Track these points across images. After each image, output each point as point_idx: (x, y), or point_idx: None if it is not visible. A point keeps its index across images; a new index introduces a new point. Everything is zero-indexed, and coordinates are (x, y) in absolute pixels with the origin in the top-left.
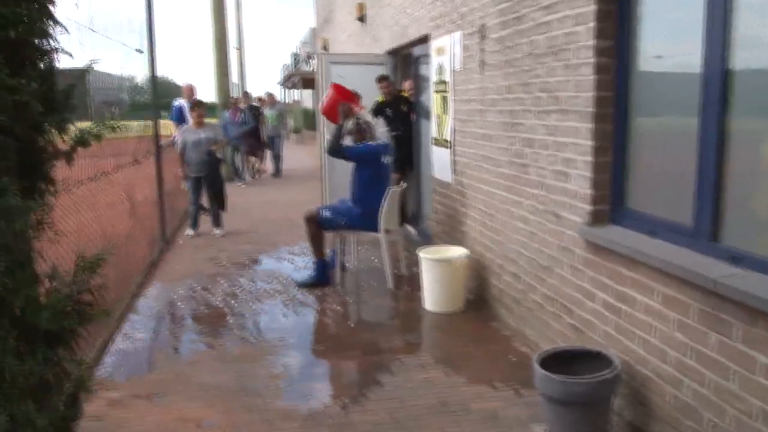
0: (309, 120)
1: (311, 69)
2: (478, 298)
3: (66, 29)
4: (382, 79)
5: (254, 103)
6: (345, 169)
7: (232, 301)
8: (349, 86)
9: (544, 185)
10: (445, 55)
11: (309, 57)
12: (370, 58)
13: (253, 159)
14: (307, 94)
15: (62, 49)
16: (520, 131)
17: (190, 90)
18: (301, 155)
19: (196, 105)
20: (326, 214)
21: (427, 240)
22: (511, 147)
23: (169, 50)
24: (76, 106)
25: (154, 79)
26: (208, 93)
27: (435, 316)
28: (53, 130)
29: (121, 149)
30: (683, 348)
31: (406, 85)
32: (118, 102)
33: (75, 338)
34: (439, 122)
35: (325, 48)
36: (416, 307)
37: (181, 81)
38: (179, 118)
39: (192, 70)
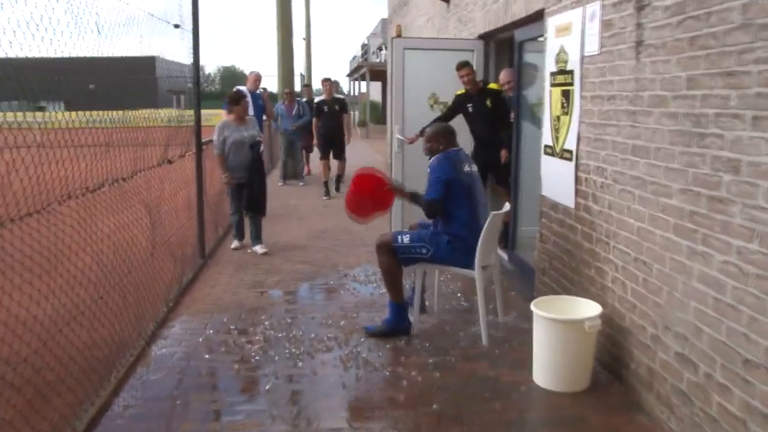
0: (376, 113)
1: (380, 60)
2: (611, 372)
3: None
4: (462, 66)
5: (337, 96)
6: (421, 172)
7: (275, 355)
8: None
9: (763, 236)
10: (571, 35)
11: (380, 48)
12: (456, 44)
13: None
14: (375, 86)
15: None
16: (713, 147)
17: (256, 78)
18: (367, 151)
19: (236, 99)
20: (404, 240)
21: (526, 273)
22: (692, 169)
23: (241, 40)
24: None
25: (196, 57)
26: (274, 83)
27: (551, 398)
28: None
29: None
30: None
31: (503, 75)
32: (184, 90)
33: None
34: (556, 125)
35: (399, 35)
36: (523, 379)
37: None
38: None
39: (263, 61)
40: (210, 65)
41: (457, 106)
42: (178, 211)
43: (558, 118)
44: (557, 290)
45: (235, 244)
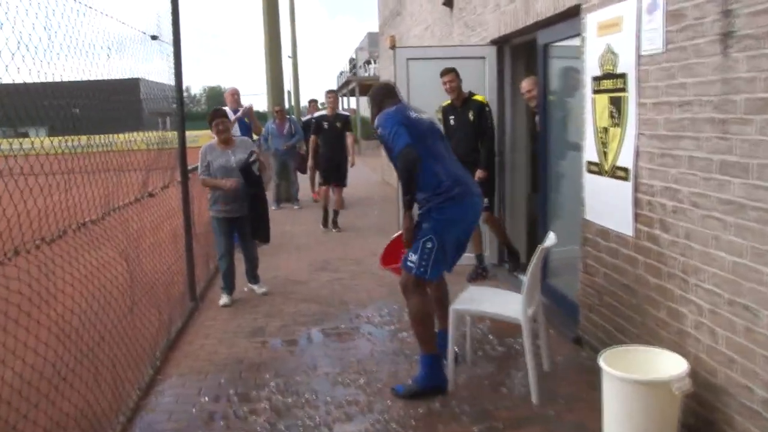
0: (367, 129)
1: (369, 74)
2: None
3: None
4: (446, 72)
5: (341, 111)
6: None
7: (286, 430)
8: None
9: None
10: (621, 32)
11: (368, 62)
12: (465, 51)
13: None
14: (364, 101)
15: None
16: None
17: (233, 95)
18: (361, 169)
19: (214, 116)
20: (413, 258)
21: (566, 307)
22: None
23: (226, 60)
24: None
25: (178, 75)
26: (263, 102)
27: None
28: None
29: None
30: None
31: (524, 84)
32: (170, 112)
33: None
34: (603, 139)
35: (393, 46)
36: None
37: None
38: None
39: (250, 81)
40: (196, 86)
41: (443, 118)
42: (162, 245)
43: (606, 129)
44: (610, 330)
45: (224, 300)
